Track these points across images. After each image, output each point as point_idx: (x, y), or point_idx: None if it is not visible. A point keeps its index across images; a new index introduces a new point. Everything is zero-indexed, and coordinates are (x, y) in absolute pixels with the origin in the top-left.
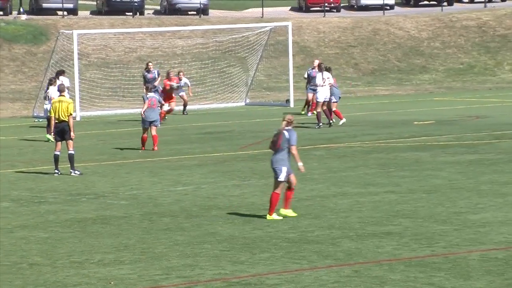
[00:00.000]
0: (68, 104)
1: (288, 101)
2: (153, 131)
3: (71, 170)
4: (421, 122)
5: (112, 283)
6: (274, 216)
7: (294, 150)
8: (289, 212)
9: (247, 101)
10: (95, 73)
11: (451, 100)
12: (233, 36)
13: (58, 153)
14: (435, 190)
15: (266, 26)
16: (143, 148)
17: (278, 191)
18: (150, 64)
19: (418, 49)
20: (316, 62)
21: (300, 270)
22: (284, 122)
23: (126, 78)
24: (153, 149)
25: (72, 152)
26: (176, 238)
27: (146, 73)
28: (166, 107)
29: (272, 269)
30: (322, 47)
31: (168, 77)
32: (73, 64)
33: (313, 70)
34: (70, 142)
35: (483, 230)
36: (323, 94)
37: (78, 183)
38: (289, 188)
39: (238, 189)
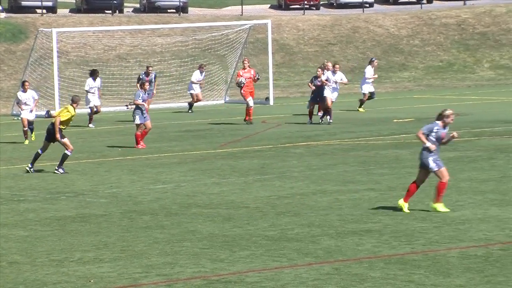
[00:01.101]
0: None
1: (267, 99)
2: (142, 129)
3: (56, 168)
4: (401, 120)
5: (92, 281)
6: (401, 202)
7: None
8: (440, 206)
9: (227, 99)
10: (74, 71)
11: (431, 97)
12: (213, 34)
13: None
14: None
15: (245, 24)
16: (138, 145)
17: (444, 179)
18: (150, 68)
19: (397, 47)
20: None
21: (280, 267)
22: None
23: (106, 76)
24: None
25: (68, 153)
26: (156, 236)
27: (143, 76)
28: None
29: (252, 267)
30: (301, 45)
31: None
32: (52, 62)
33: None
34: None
35: (463, 227)
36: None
37: (57, 181)
38: (441, 181)
39: (218, 187)
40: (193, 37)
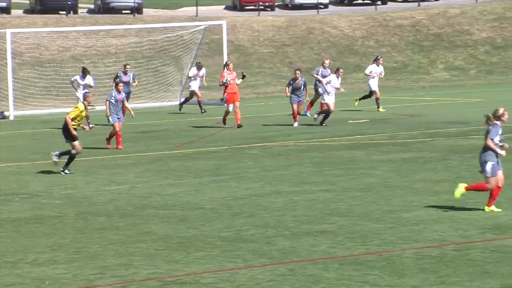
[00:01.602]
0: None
1: (223, 99)
2: (119, 127)
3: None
4: (356, 121)
5: (46, 283)
6: (493, 208)
7: (488, 141)
8: (491, 209)
9: (182, 100)
10: (29, 72)
11: (385, 98)
12: (168, 35)
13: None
14: (370, 188)
15: (200, 25)
16: (108, 145)
17: (489, 186)
18: (127, 66)
19: (352, 48)
20: (328, 62)
21: (235, 269)
22: (490, 116)
23: (60, 77)
24: (117, 148)
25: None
26: (111, 238)
27: (121, 74)
28: None
29: (207, 268)
30: (256, 46)
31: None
32: (6, 63)
33: (325, 69)
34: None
35: (417, 228)
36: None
37: (11, 182)
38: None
39: (173, 188)
40: (148, 38)
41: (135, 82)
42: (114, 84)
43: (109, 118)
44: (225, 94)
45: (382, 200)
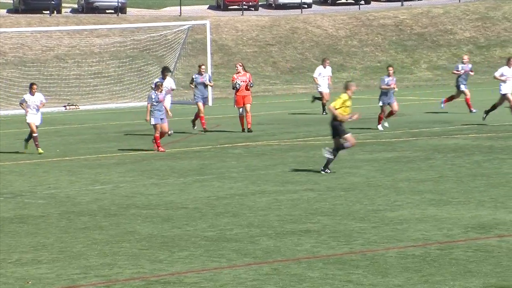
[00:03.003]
0: None
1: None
2: (159, 130)
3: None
4: None
5: (30, 282)
6: None
7: None
8: None
9: None
10: (12, 72)
11: (369, 98)
12: (151, 35)
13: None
14: (353, 187)
15: (184, 25)
16: (159, 148)
17: None
18: (203, 66)
19: (335, 48)
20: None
21: (219, 268)
22: None
23: (44, 77)
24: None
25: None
26: (95, 237)
27: (197, 76)
28: None
29: (191, 267)
30: (240, 46)
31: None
32: None
33: (466, 65)
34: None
35: (401, 227)
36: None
37: None
38: None
39: (157, 188)
40: (132, 38)
41: (211, 83)
42: (154, 85)
43: (150, 120)
44: (235, 96)
45: (365, 200)
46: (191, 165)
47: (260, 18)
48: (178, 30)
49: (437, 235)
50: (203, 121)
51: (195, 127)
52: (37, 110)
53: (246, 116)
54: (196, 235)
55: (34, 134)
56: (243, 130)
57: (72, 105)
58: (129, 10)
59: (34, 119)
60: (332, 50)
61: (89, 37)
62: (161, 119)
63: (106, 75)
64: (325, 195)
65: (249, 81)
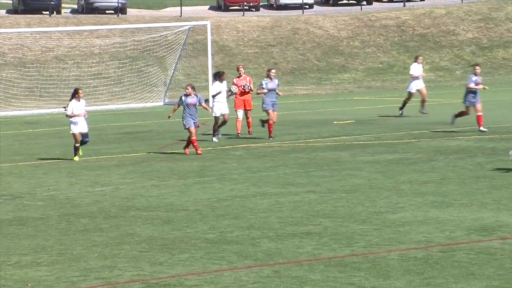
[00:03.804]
0: None
1: (207, 101)
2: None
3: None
4: (341, 122)
5: (29, 285)
6: None
7: None
8: None
9: (166, 100)
10: (12, 73)
11: (371, 99)
12: (152, 35)
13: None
14: (355, 189)
15: (184, 25)
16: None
17: None
18: (272, 70)
19: (337, 49)
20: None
21: (219, 270)
22: None
23: (43, 78)
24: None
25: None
26: (94, 239)
27: (267, 81)
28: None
29: (192, 269)
30: (241, 46)
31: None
32: None
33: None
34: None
35: (403, 230)
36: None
37: None
38: None
39: (157, 190)
40: (132, 39)
41: (279, 94)
42: (191, 89)
43: (183, 122)
44: (234, 98)
45: (367, 202)
46: (191, 167)
47: (261, 18)
48: (179, 31)
49: (439, 237)
50: (271, 130)
51: (271, 138)
52: (84, 118)
53: (247, 121)
54: (196, 237)
55: (78, 144)
56: (238, 134)
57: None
58: (129, 10)
59: (81, 128)
60: (334, 51)
61: (89, 37)
62: (194, 122)
63: (106, 76)
64: (326, 197)
65: (248, 83)
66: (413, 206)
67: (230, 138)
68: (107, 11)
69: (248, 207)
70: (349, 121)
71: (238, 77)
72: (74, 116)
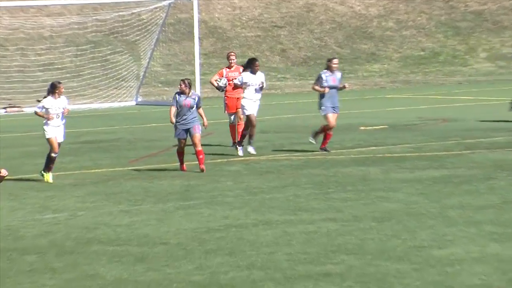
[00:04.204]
0: None
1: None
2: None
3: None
4: (370, 127)
5: None
6: None
7: None
8: None
9: (139, 99)
10: None
11: (409, 97)
12: (120, 13)
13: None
14: (388, 217)
15: (164, 0)
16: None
17: None
18: (334, 60)
19: (365, 31)
20: None
21: None
22: None
23: None
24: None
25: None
26: (44, 283)
27: (327, 73)
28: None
29: None
30: (238, 28)
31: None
32: None
33: None
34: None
35: (452, 270)
36: None
37: None
38: None
39: (127, 217)
40: (94, 18)
41: (345, 85)
42: (185, 84)
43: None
44: (224, 98)
45: (404, 233)
46: (172, 187)
47: None
48: (156, 8)
49: (501, 280)
50: (327, 140)
51: (316, 141)
52: (62, 119)
53: (237, 125)
54: (179, 280)
55: (54, 154)
56: (234, 143)
57: (14, 106)
58: None
59: (56, 132)
60: (361, 34)
61: (36, 16)
62: (186, 130)
63: (60, 67)
64: (350, 226)
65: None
66: (466, 238)
67: (220, 146)
68: None
69: (247, 239)
70: (380, 127)
71: (229, 67)
72: (48, 117)
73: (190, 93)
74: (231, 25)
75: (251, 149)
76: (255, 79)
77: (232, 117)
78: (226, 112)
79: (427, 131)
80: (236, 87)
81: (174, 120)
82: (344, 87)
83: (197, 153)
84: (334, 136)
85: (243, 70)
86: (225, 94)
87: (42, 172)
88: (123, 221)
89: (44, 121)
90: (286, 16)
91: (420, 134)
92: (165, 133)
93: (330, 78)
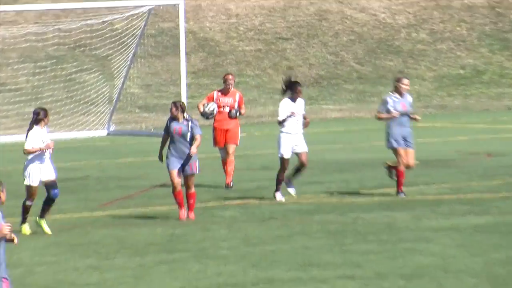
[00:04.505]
0: None
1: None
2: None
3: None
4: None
5: None
6: None
7: None
8: None
9: (112, 128)
10: None
11: (446, 126)
12: (88, 22)
13: None
14: (420, 274)
15: (142, 6)
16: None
17: None
18: (405, 80)
19: (391, 44)
20: None
21: None
22: None
23: None
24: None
25: None
26: None
27: (395, 98)
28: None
29: None
30: (234, 40)
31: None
32: None
33: None
34: None
35: None
36: None
37: None
38: None
39: (97, 274)
40: (56, 27)
41: (416, 117)
42: (176, 107)
43: (166, 162)
44: (213, 128)
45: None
46: (153, 236)
47: None
48: (133, 15)
49: None
50: (402, 181)
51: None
52: (50, 155)
53: (227, 161)
54: None
55: (31, 203)
56: (227, 184)
57: None
58: None
59: (46, 173)
60: (385, 48)
61: None
62: (181, 165)
63: (14, 87)
64: (373, 285)
65: (236, 107)
66: None
67: (211, 186)
68: None
69: None
70: None
71: (223, 91)
72: (37, 150)
73: (183, 118)
74: (225, 37)
75: (291, 190)
76: (296, 107)
77: (223, 153)
78: (214, 146)
79: (467, 168)
80: (231, 117)
81: (162, 152)
82: (415, 119)
83: (187, 196)
84: (353, 173)
85: (284, 91)
86: (214, 123)
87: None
88: (91, 278)
89: (27, 158)
90: (293, 26)
91: (459, 171)
92: (143, 170)
93: (399, 104)
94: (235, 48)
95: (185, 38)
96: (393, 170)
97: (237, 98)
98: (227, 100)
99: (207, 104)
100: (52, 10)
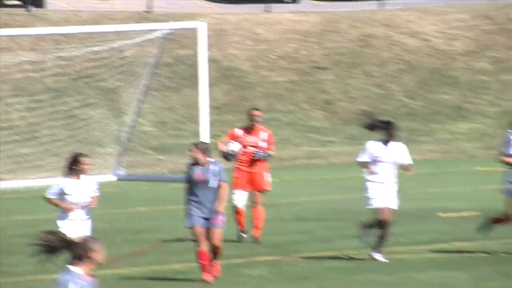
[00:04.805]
0: None
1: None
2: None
3: None
4: (453, 214)
5: None
6: None
7: None
8: None
9: (121, 172)
10: None
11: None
12: (94, 49)
13: None
14: None
15: (157, 30)
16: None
17: None
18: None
19: (446, 74)
20: None
21: None
22: None
23: None
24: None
25: None
26: None
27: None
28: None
29: None
30: (263, 70)
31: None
32: None
33: None
34: None
35: None
36: None
37: None
38: None
39: None
40: (56, 55)
41: None
42: (198, 150)
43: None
44: (235, 168)
45: None
46: None
47: (300, 17)
48: (146, 41)
49: None
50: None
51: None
52: (86, 212)
53: (253, 211)
54: None
55: None
56: (242, 232)
57: None
58: (50, 1)
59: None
60: (440, 78)
61: None
62: (204, 218)
63: (5, 125)
64: None
65: (264, 144)
66: None
67: (235, 241)
68: (8, 1)
69: None
70: (467, 213)
71: (247, 130)
72: (71, 208)
73: (207, 163)
74: (253, 66)
75: (378, 256)
76: (389, 153)
77: (241, 198)
78: (233, 188)
79: None
80: (257, 159)
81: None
82: None
83: (199, 255)
84: (402, 225)
85: (372, 128)
86: (236, 165)
87: None
88: None
89: (59, 214)
90: (332, 53)
91: None
92: (157, 221)
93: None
94: (264, 79)
95: (206, 67)
96: (499, 223)
97: (264, 137)
98: (253, 139)
99: (229, 143)
100: (51, 34)
